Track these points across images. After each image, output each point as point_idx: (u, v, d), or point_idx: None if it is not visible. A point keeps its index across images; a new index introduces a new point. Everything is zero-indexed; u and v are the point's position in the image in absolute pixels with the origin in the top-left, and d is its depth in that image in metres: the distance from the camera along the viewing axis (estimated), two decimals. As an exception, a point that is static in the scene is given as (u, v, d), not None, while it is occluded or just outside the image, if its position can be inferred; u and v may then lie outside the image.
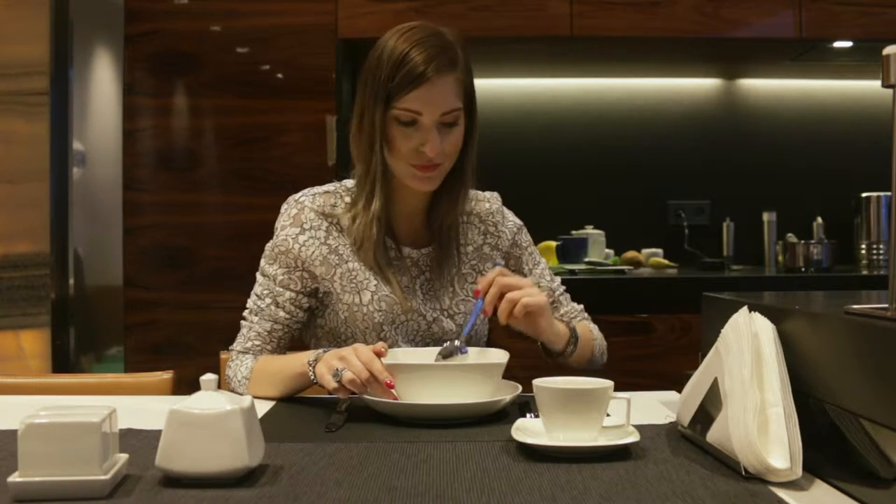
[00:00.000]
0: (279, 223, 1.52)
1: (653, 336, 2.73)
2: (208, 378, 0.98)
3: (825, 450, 0.94)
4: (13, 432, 0.92)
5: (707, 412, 1.05)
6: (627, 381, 2.70)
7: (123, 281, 2.84)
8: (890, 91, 0.89)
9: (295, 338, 1.56)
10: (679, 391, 1.19)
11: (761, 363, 0.98)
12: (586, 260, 3.03)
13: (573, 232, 3.17)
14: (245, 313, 1.53)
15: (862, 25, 2.91)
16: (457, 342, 1.38)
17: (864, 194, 3.23)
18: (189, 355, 2.78)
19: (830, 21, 2.91)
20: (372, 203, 1.46)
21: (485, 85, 3.34)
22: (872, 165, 2.72)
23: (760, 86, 3.43)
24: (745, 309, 1.04)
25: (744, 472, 0.94)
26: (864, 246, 3.23)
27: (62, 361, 2.86)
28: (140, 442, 1.10)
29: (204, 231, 2.86)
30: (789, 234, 3.20)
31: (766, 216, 3.28)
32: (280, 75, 2.86)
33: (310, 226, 1.49)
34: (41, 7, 2.87)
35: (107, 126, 3.00)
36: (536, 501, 0.87)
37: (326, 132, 2.83)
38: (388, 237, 1.51)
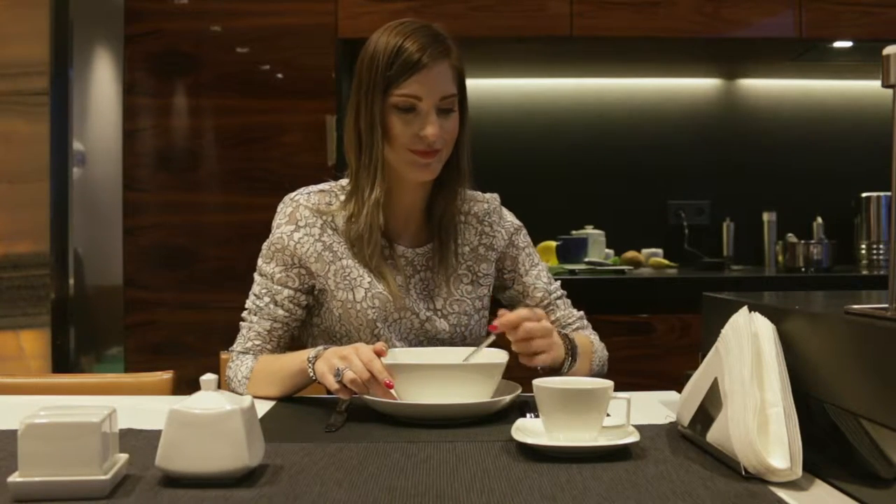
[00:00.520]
0: (275, 221, 1.53)
1: (653, 336, 2.73)
2: (208, 378, 0.98)
3: (825, 450, 0.94)
4: (13, 432, 0.92)
5: (707, 412, 1.05)
6: (627, 381, 2.70)
7: (123, 281, 2.84)
8: (890, 91, 0.89)
9: (294, 336, 1.56)
10: (679, 391, 1.19)
11: (761, 363, 0.98)
12: (586, 260, 3.03)
13: (573, 232, 3.17)
14: (244, 313, 1.53)
15: (862, 25, 2.91)
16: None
17: (864, 194, 3.23)
18: (189, 355, 2.77)
19: (830, 21, 2.91)
20: (374, 190, 1.46)
21: (485, 85, 3.34)
22: (872, 165, 2.73)
23: (760, 86, 3.43)
24: (745, 309, 1.04)
25: (744, 472, 0.94)
26: (864, 246, 3.23)
27: (62, 361, 2.86)
28: (140, 442, 1.10)
29: (204, 231, 2.86)
30: (789, 234, 3.20)
31: (766, 216, 3.28)
32: (280, 75, 2.86)
33: (304, 223, 1.50)
34: (41, 7, 2.87)
35: (107, 126, 2.99)
36: (536, 501, 0.87)
37: (326, 132, 2.83)
38: (382, 236, 1.51)
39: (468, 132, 1.52)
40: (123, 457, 0.96)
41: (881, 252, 3.18)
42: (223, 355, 1.65)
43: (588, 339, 1.59)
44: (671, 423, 1.21)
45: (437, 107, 1.43)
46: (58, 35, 2.90)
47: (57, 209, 2.88)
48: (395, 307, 1.49)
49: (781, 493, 0.89)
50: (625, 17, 2.89)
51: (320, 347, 1.37)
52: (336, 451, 1.07)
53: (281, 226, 1.51)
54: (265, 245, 1.52)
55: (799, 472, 0.91)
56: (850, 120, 3.38)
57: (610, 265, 3.05)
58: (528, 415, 1.18)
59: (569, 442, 1.05)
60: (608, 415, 1.09)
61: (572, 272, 2.88)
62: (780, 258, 3.17)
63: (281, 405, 1.39)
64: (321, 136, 2.83)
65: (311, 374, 1.35)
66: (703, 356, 1.10)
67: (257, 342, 1.51)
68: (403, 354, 1.37)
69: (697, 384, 1.10)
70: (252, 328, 1.51)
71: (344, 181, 1.54)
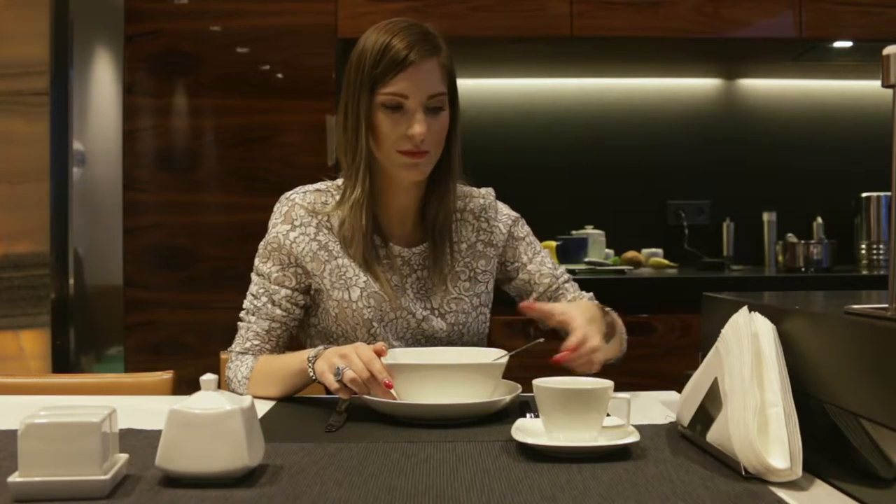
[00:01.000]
0: (271, 221, 1.53)
1: (653, 336, 2.73)
2: (208, 378, 0.98)
3: (825, 450, 0.94)
4: (13, 432, 0.92)
5: (707, 412, 1.05)
6: (627, 381, 2.69)
7: (123, 281, 2.84)
8: (890, 91, 0.89)
9: (293, 336, 1.56)
10: (679, 391, 1.19)
11: (761, 363, 0.98)
12: (586, 260, 3.03)
13: (573, 232, 3.17)
14: (242, 314, 1.53)
15: (862, 25, 2.91)
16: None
17: (864, 194, 3.22)
18: (189, 355, 2.77)
19: (830, 21, 2.91)
20: (356, 190, 1.45)
21: (485, 85, 3.34)
22: (872, 165, 2.72)
23: (760, 86, 3.43)
24: (745, 309, 1.04)
25: (744, 472, 0.94)
26: (864, 246, 3.23)
27: (62, 361, 2.86)
28: (140, 442, 1.10)
29: (204, 231, 2.86)
30: (789, 234, 3.20)
31: (766, 216, 3.28)
32: (280, 75, 2.86)
33: (300, 222, 1.50)
34: (41, 7, 2.87)
35: (107, 126, 2.99)
36: (536, 501, 0.87)
37: (326, 132, 2.83)
38: (378, 236, 1.51)
39: (460, 131, 1.51)
40: (123, 457, 0.96)
41: (881, 252, 3.18)
42: (223, 355, 1.65)
43: (615, 318, 1.56)
44: (671, 423, 1.21)
45: (424, 105, 1.42)
46: (58, 35, 2.90)
47: (57, 209, 2.88)
48: (391, 307, 1.48)
49: (781, 493, 0.89)
50: (625, 17, 2.89)
51: (320, 347, 1.37)
52: (336, 451, 1.07)
53: (277, 225, 1.51)
54: (261, 244, 1.52)
55: (799, 472, 0.91)
56: (850, 120, 3.38)
57: (610, 265, 3.05)
58: (528, 415, 1.18)
59: (569, 442, 1.05)
60: (608, 415, 1.09)
61: (572, 272, 2.87)
62: (780, 258, 3.17)
63: (281, 405, 1.39)
64: (321, 136, 2.83)
65: (311, 373, 1.34)
66: (703, 356, 1.10)
67: (256, 342, 1.51)
68: (403, 354, 1.37)
69: (697, 384, 1.10)
70: (250, 328, 1.51)
71: (340, 181, 1.54)
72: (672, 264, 3.20)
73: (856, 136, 3.35)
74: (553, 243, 3.04)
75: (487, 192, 1.64)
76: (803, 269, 3.04)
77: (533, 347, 1.33)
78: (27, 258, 2.85)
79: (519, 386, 1.33)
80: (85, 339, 2.97)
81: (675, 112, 3.41)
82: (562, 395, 1.06)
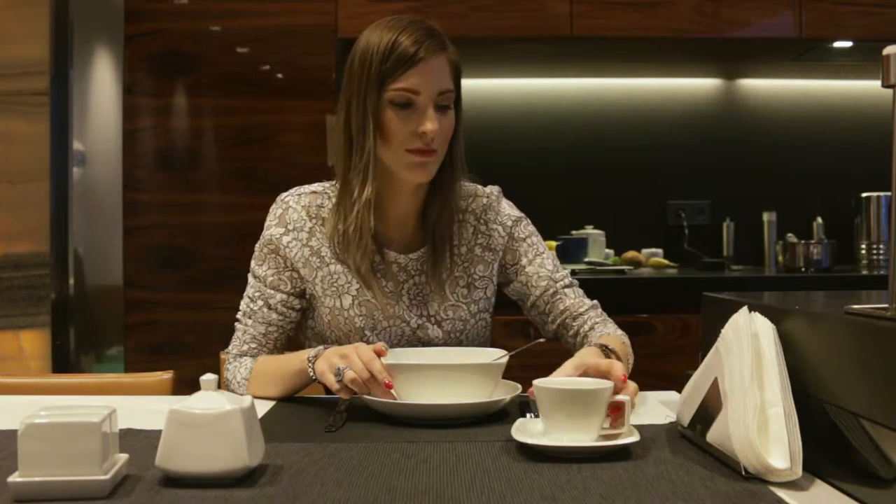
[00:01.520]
0: (266, 222, 1.51)
1: (653, 336, 2.73)
2: (208, 378, 0.98)
3: (825, 450, 0.94)
4: (13, 432, 0.92)
5: (707, 412, 1.05)
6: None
7: (123, 281, 2.84)
8: (890, 91, 0.89)
9: (290, 337, 1.55)
10: (679, 391, 1.19)
11: (761, 363, 0.97)
12: (586, 260, 3.03)
13: (573, 232, 3.16)
14: (239, 315, 1.52)
15: (862, 25, 2.91)
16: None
17: (864, 194, 3.22)
18: (189, 355, 2.77)
19: (830, 21, 2.91)
20: (365, 189, 1.40)
21: (485, 85, 3.34)
22: (872, 165, 2.72)
23: (760, 86, 3.43)
24: (745, 309, 1.04)
25: (744, 472, 0.94)
26: (864, 246, 3.23)
27: (62, 361, 2.86)
28: (140, 442, 1.10)
29: (204, 231, 2.86)
30: (789, 234, 3.20)
31: (766, 216, 3.28)
32: (280, 75, 2.86)
33: (293, 226, 1.47)
34: (41, 7, 2.87)
35: (107, 126, 2.99)
36: (536, 501, 0.87)
37: (326, 132, 2.83)
38: (374, 241, 1.46)
39: (462, 132, 1.47)
40: (123, 457, 0.96)
41: (881, 252, 3.18)
42: (223, 355, 1.65)
43: (620, 340, 1.46)
44: (671, 423, 1.21)
45: (434, 102, 1.38)
46: (58, 35, 2.90)
47: (57, 209, 2.88)
48: (384, 315, 1.46)
49: (781, 493, 0.89)
50: (625, 17, 2.89)
51: (320, 347, 1.36)
52: (336, 451, 1.07)
53: (271, 227, 1.49)
54: (257, 246, 1.51)
55: (799, 472, 0.91)
56: (850, 120, 3.38)
57: (610, 265, 3.05)
58: (528, 415, 1.18)
59: (569, 442, 1.05)
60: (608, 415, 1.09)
61: (572, 272, 2.86)
62: (780, 258, 3.16)
63: (281, 405, 1.39)
64: (321, 136, 2.83)
65: (311, 373, 1.34)
66: (703, 356, 1.10)
67: (253, 345, 1.50)
68: (404, 354, 1.37)
69: (697, 384, 1.10)
70: (247, 331, 1.50)
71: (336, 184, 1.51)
72: (672, 264, 3.20)
73: (856, 136, 3.35)
74: (553, 243, 3.04)
75: (492, 191, 1.59)
76: (803, 269, 3.04)
77: (533, 347, 1.33)
78: (27, 258, 2.85)
79: (519, 386, 1.33)
80: (85, 339, 2.97)
81: (675, 112, 3.40)
82: (561, 396, 1.06)
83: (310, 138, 2.84)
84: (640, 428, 1.10)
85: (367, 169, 1.40)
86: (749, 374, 0.96)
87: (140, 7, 2.85)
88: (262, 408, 1.34)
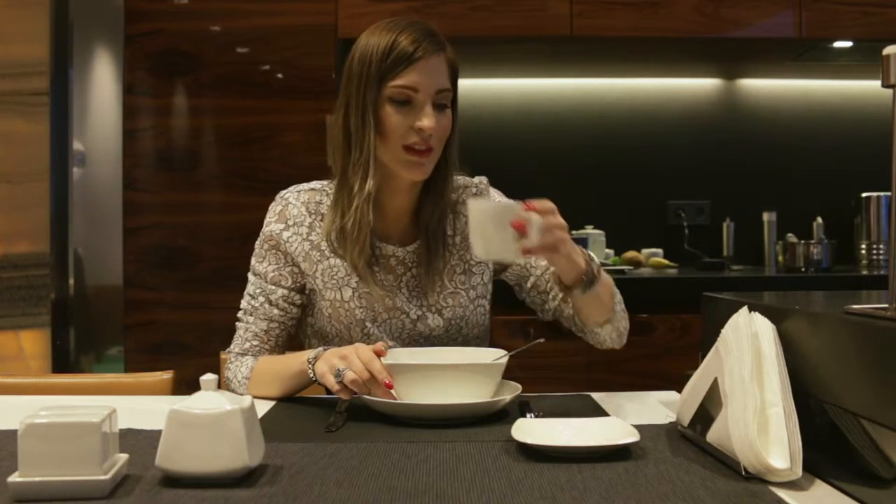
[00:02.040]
0: (266, 219, 1.52)
1: (653, 336, 2.73)
2: (208, 378, 0.98)
3: (825, 450, 0.94)
4: (13, 432, 0.92)
5: (707, 412, 1.05)
6: (627, 381, 2.71)
7: (123, 281, 2.84)
8: (890, 91, 0.89)
9: (291, 335, 1.56)
10: (679, 391, 1.19)
11: (761, 363, 0.98)
12: (586, 260, 3.02)
13: (573, 232, 3.15)
14: (239, 314, 1.53)
15: (862, 25, 2.91)
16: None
17: (864, 194, 3.23)
18: (189, 355, 2.78)
19: (830, 21, 2.91)
20: (366, 184, 1.43)
21: (485, 85, 3.34)
22: (872, 165, 2.73)
23: (760, 86, 3.43)
24: (745, 309, 1.04)
25: (744, 472, 0.94)
26: (864, 246, 3.23)
27: (62, 361, 2.86)
28: (140, 442, 1.10)
29: (204, 231, 2.86)
30: (789, 234, 3.20)
31: (766, 216, 3.28)
32: (280, 75, 2.86)
33: (293, 222, 1.49)
34: (41, 7, 2.87)
35: (107, 126, 2.99)
36: (536, 501, 0.87)
37: (326, 132, 2.83)
38: (372, 236, 1.49)
39: (457, 132, 1.50)
40: (123, 457, 0.96)
41: (881, 252, 3.18)
42: (223, 355, 1.65)
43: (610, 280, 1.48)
44: (671, 423, 1.21)
45: (432, 100, 1.41)
46: (58, 35, 2.90)
47: (57, 209, 2.88)
48: (383, 307, 1.48)
49: (781, 493, 0.89)
50: (625, 17, 2.89)
51: (320, 349, 1.36)
52: (336, 451, 1.07)
53: (271, 223, 1.51)
54: (257, 243, 1.52)
55: (799, 472, 0.91)
56: (850, 120, 3.38)
57: (610, 265, 3.05)
58: (528, 415, 1.18)
59: (569, 442, 1.05)
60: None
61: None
62: (780, 258, 3.17)
63: (281, 405, 1.39)
64: (321, 136, 2.83)
65: (312, 374, 1.34)
66: (703, 356, 1.10)
67: (255, 343, 1.51)
68: (403, 354, 1.37)
69: (697, 384, 1.10)
70: (249, 329, 1.51)
71: (333, 181, 1.52)
72: (672, 264, 3.20)
73: (856, 136, 3.35)
74: (553, 243, 3.03)
75: (480, 181, 1.63)
76: (803, 269, 3.04)
77: (533, 347, 1.33)
78: (27, 258, 2.85)
79: (519, 386, 1.34)
80: (85, 339, 2.97)
81: (675, 112, 3.41)
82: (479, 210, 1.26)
83: (310, 138, 2.84)
84: (640, 428, 1.10)
85: (367, 164, 1.43)
86: (749, 374, 0.96)
87: (140, 7, 2.85)
88: (262, 408, 1.34)
